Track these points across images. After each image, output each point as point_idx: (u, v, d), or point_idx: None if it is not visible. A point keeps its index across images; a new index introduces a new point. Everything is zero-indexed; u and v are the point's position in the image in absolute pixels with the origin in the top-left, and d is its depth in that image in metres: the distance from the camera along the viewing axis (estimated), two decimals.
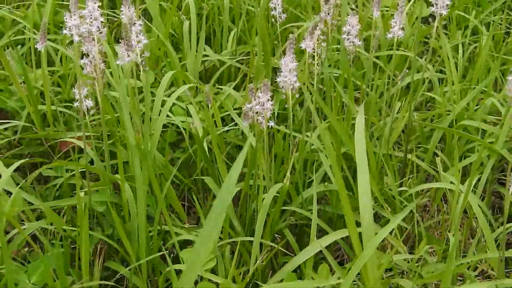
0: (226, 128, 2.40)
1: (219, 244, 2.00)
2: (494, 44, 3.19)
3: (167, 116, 2.41)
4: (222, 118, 2.56)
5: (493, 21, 3.40)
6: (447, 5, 2.09)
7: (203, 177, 2.26)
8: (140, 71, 2.01)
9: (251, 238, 1.98)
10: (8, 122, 2.44)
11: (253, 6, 3.21)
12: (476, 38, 3.28)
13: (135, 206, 1.97)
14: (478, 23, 3.24)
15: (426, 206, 2.49)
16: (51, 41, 2.93)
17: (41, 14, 2.97)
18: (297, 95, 2.04)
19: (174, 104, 2.54)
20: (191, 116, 2.39)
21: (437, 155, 2.50)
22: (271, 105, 1.93)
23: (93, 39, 1.86)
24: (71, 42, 2.90)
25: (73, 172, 2.26)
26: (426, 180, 2.58)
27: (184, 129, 2.42)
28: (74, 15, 1.79)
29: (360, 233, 1.71)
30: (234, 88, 2.80)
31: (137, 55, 1.96)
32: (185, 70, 2.82)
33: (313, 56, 2.09)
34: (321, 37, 2.06)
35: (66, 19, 1.79)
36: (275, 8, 2.50)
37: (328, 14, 2.37)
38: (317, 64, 2.09)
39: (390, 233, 2.21)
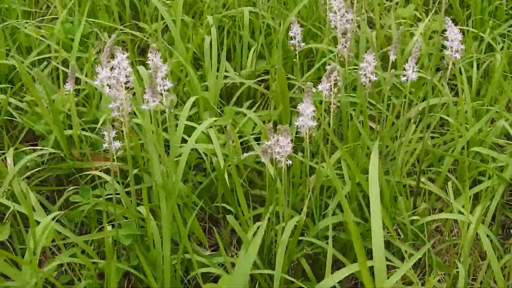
0: (246, 155, 2.49)
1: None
2: (508, 60, 3.25)
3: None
4: (241, 142, 2.66)
5: (509, 33, 3.46)
6: (461, 49, 2.17)
7: (224, 205, 2.38)
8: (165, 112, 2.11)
9: (271, 272, 2.10)
10: (35, 148, 2.54)
11: (273, 18, 3.28)
12: (492, 54, 3.35)
13: (160, 240, 2.09)
14: (491, 39, 3.30)
15: (438, 227, 2.59)
16: (78, 59, 3.03)
17: (65, 31, 3.06)
18: (313, 133, 2.14)
19: (195, 127, 2.65)
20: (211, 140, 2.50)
21: (449, 179, 2.60)
22: (290, 148, 2.03)
23: (121, 87, 1.96)
24: (95, 60, 3.01)
25: (100, 199, 2.38)
26: (438, 202, 2.67)
27: (206, 154, 2.52)
28: (106, 67, 1.89)
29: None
30: (254, 107, 2.90)
31: (163, 98, 2.06)
32: (205, 89, 2.92)
33: (330, 95, 2.18)
34: (338, 77, 2.14)
35: (98, 70, 1.90)
36: (294, 38, 2.59)
37: (345, 47, 2.46)
38: (334, 104, 2.18)
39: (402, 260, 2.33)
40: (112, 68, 1.94)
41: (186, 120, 2.44)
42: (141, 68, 2.72)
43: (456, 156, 2.56)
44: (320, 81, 2.17)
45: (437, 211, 2.66)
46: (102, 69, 1.91)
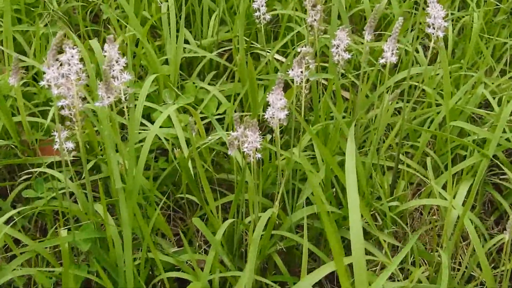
0: (210, 139, 2.32)
1: (208, 279, 1.97)
2: (484, 18, 3.08)
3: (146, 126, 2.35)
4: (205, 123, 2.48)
5: None
6: (443, 27, 1.99)
7: (188, 196, 2.22)
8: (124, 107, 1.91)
9: (239, 273, 1.95)
10: None
11: None
12: (465, 11, 3.18)
13: (120, 241, 1.94)
14: None
15: (417, 208, 2.46)
16: (22, 32, 2.80)
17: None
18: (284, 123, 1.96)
19: (155, 110, 2.46)
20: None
21: (427, 154, 2.46)
22: (259, 143, 1.86)
23: (72, 84, 1.76)
24: (43, 34, 2.77)
25: (54, 194, 2.20)
26: (417, 185, 2.54)
27: (167, 140, 2.34)
28: (53, 66, 1.69)
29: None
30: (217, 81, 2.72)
31: (120, 92, 1.87)
32: (164, 62, 2.72)
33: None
34: (310, 61, 1.96)
35: (44, 70, 1.69)
36: (258, 9, 2.38)
37: (315, 20, 2.27)
38: (305, 89, 2.00)
39: (381, 249, 2.20)
40: (61, 64, 1.73)
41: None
42: (94, 43, 2.50)
43: (436, 132, 2.41)
44: (287, 52, 1.98)
45: (415, 188, 2.53)
46: (49, 68, 1.70)
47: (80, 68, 1.75)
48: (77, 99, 1.79)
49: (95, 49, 2.47)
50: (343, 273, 1.59)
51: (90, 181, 2.06)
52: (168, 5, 2.74)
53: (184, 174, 2.15)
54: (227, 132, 2.18)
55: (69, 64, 1.73)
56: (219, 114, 2.47)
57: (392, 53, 1.98)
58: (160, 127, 2.32)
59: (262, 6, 2.36)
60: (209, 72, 2.79)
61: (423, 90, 2.67)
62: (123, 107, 1.92)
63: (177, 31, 2.66)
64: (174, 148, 2.15)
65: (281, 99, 1.84)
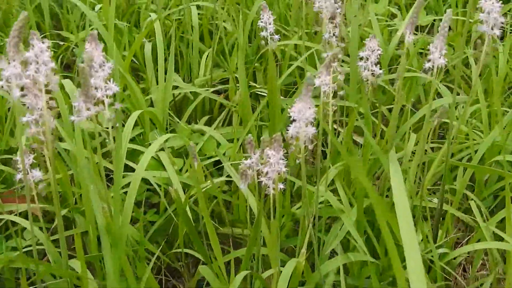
0: (216, 181, 1.90)
1: None
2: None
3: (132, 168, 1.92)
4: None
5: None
6: (500, 23, 1.62)
7: (188, 250, 1.78)
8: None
9: None
10: None
11: (231, 23, 2.70)
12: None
13: None
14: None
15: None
16: None
17: None
18: (309, 146, 1.55)
19: (141, 152, 2.04)
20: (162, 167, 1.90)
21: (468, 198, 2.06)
22: (284, 165, 1.45)
23: (40, 91, 1.35)
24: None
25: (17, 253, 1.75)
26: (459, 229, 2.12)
27: (159, 185, 1.91)
28: (13, 61, 1.27)
29: None
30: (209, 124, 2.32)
31: (104, 107, 1.45)
32: (149, 104, 2.32)
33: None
34: (338, 69, 1.57)
35: (2, 67, 1.26)
36: (265, 28, 1.99)
37: (334, 35, 1.90)
38: (333, 106, 1.61)
39: None
40: (25, 64, 1.32)
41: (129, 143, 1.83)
42: (67, 83, 2.10)
43: (480, 167, 2.02)
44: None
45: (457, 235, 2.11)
46: (9, 63, 1.28)
47: (52, 69, 1.34)
48: (47, 112, 1.38)
49: (69, 90, 2.07)
50: None
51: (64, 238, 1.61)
52: (151, 43, 2.37)
53: (181, 221, 1.72)
54: (237, 162, 1.77)
55: (37, 63, 1.33)
56: (214, 157, 2.06)
57: (441, 54, 1.58)
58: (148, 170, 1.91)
59: (269, 24, 1.98)
60: (201, 117, 2.39)
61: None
62: (106, 128, 1.50)
63: (165, 72, 2.27)
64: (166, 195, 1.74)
65: (310, 108, 1.43)
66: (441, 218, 2.01)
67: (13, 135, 2.17)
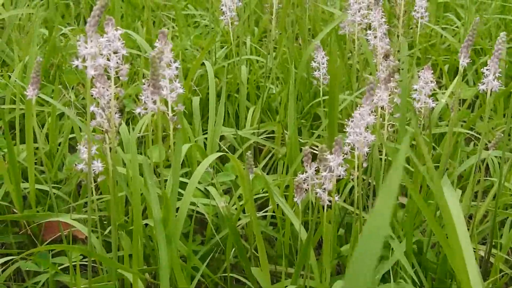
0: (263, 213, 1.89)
1: None
2: None
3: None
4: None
5: None
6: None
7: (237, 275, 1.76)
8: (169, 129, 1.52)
9: None
10: None
11: (274, 84, 2.75)
12: None
13: None
14: None
15: None
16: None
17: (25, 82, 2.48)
18: (364, 164, 1.56)
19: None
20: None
21: None
22: (344, 171, 1.45)
23: (109, 79, 1.39)
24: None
25: (62, 265, 1.75)
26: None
27: (203, 215, 1.91)
28: (91, 41, 1.31)
29: None
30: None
31: (167, 108, 1.48)
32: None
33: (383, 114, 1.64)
34: (395, 90, 1.60)
35: (79, 45, 1.30)
36: (318, 68, 2.04)
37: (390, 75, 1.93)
38: (389, 124, 1.63)
39: None
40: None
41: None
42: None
43: None
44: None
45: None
46: (88, 43, 1.32)
47: (123, 56, 1.38)
48: (114, 102, 1.41)
49: None
50: None
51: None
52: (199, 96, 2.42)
53: (231, 238, 1.71)
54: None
55: (109, 49, 1.37)
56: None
57: (495, 77, 1.61)
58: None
59: (323, 64, 2.02)
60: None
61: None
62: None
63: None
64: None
65: (370, 114, 1.45)
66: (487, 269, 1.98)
67: (61, 169, 2.20)
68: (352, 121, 1.46)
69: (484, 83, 1.62)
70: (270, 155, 2.39)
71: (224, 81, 2.49)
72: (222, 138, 2.42)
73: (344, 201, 2.00)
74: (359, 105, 1.45)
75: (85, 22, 1.27)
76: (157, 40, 1.48)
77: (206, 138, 2.29)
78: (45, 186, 2.01)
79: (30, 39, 2.67)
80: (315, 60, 2.06)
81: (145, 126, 2.12)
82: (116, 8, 2.82)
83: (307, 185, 1.56)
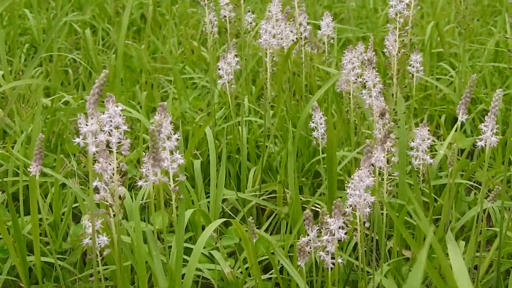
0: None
1: None
2: None
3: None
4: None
5: None
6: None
7: None
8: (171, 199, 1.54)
9: None
10: None
11: (275, 143, 2.78)
12: None
13: None
14: None
15: None
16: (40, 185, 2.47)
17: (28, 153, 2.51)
18: (366, 224, 1.58)
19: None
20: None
21: None
22: (345, 233, 1.47)
23: (111, 153, 1.41)
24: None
25: None
26: None
27: (209, 280, 1.92)
28: (92, 118, 1.34)
29: None
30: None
31: (168, 179, 1.50)
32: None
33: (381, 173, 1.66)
34: (392, 149, 1.63)
35: (80, 124, 1.34)
36: (316, 128, 2.08)
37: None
38: (389, 185, 1.65)
39: None
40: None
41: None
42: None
43: None
44: None
45: None
46: (88, 120, 1.35)
47: (124, 131, 1.41)
48: (117, 175, 1.43)
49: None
50: None
51: None
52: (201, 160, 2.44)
53: None
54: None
55: (110, 125, 1.40)
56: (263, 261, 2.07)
57: (492, 133, 1.64)
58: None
59: (320, 124, 2.06)
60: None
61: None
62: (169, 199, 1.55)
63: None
64: None
65: (369, 176, 1.48)
66: None
67: (66, 239, 2.21)
68: (352, 183, 1.48)
69: (482, 139, 1.65)
70: (273, 215, 2.40)
71: (224, 143, 2.52)
72: (224, 200, 2.44)
73: (349, 255, 2.01)
74: (358, 164, 1.48)
75: (84, 88, 1.31)
76: (156, 114, 1.52)
77: (209, 202, 2.30)
78: (50, 258, 2.01)
79: (32, 110, 2.71)
80: (313, 120, 2.09)
81: (147, 192, 2.15)
82: (117, 76, 2.86)
83: (310, 247, 1.57)
